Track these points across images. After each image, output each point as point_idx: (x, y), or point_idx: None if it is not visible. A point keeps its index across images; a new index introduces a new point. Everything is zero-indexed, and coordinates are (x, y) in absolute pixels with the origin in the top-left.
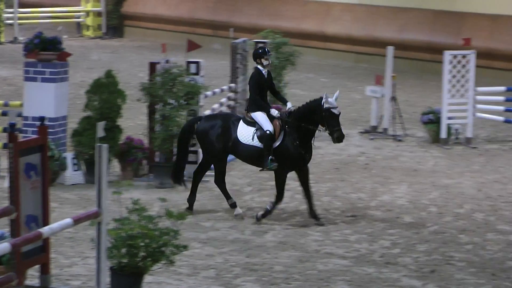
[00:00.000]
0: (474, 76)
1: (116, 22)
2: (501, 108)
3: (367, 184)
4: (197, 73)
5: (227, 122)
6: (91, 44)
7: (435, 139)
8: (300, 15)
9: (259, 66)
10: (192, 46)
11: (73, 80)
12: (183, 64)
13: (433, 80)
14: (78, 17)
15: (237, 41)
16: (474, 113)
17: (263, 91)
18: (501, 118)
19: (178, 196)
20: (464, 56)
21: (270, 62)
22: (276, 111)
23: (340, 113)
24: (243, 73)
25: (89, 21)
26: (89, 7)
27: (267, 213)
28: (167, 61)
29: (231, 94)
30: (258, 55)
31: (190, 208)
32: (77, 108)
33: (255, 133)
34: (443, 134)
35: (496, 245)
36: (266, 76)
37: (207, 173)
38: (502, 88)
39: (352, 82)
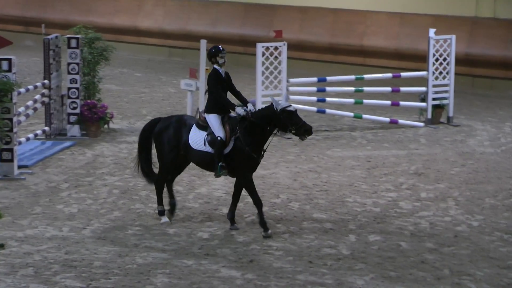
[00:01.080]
0: (286, 67)
1: None
2: (314, 98)
3: (185, 177)
4: (9, 70)
5: (180, 125)
6: None
7: None
8: (112, 10)
9: (215, 66)
10: (2, 43)
11: None
12: None
13: (247, 72)
14: None
15: (49, 37)
16: None
17: (223, 91)
18: (313, 109)
19: None
20: (276, 48)
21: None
22: (242, 110)
23: (296, 110)
24: (57, 69)
25: None
26: None
27: (261, 224)
28: None
29: (45, 91)
30: (212, 54)
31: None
32: None
33: (206, 138)
34: None
35: (312, 233)
36: (223, 75)
37: (22, 172)
38: (314, 79)
39: (166, 76)
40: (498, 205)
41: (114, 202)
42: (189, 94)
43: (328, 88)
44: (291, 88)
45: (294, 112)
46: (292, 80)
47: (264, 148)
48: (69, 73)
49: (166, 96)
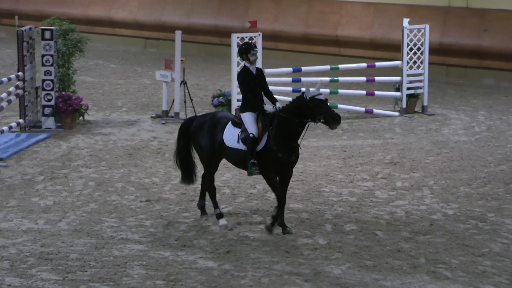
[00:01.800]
0: (261, 58)
1: None
2: (289, 89)
3: (160, 169)
4: None
5: (214, 123)
6: None
7: None
8: (87, 1)
9: (246, 63)
10: None
11: None
12: None
13: (222, 63)
14: None
15: (23, 29)
16: None
17: (253, 89)
18: (289, 99)
19: None
20: (251, 39)
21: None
22: (270, 106)
23: (326, 98)
24: (31, 61)
25: None
26: None
27: (280, 224)
28: None
29: (19, 83)
30: (243, 51)
31: (203, 212)
32: None
33: (239, 135)
34: None
35: (289, 223)
36: (255, 73)
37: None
38: (289, 69)
39: (141, 68)
40: (473, 194)
41: (89, 194)
42: (164, 85)
43: (303, 78)
44: (266, 79)
45: (324, 101)
46: (267, 70)
47: (299, 143)
48: (43, 65)
49: (142, 87)
